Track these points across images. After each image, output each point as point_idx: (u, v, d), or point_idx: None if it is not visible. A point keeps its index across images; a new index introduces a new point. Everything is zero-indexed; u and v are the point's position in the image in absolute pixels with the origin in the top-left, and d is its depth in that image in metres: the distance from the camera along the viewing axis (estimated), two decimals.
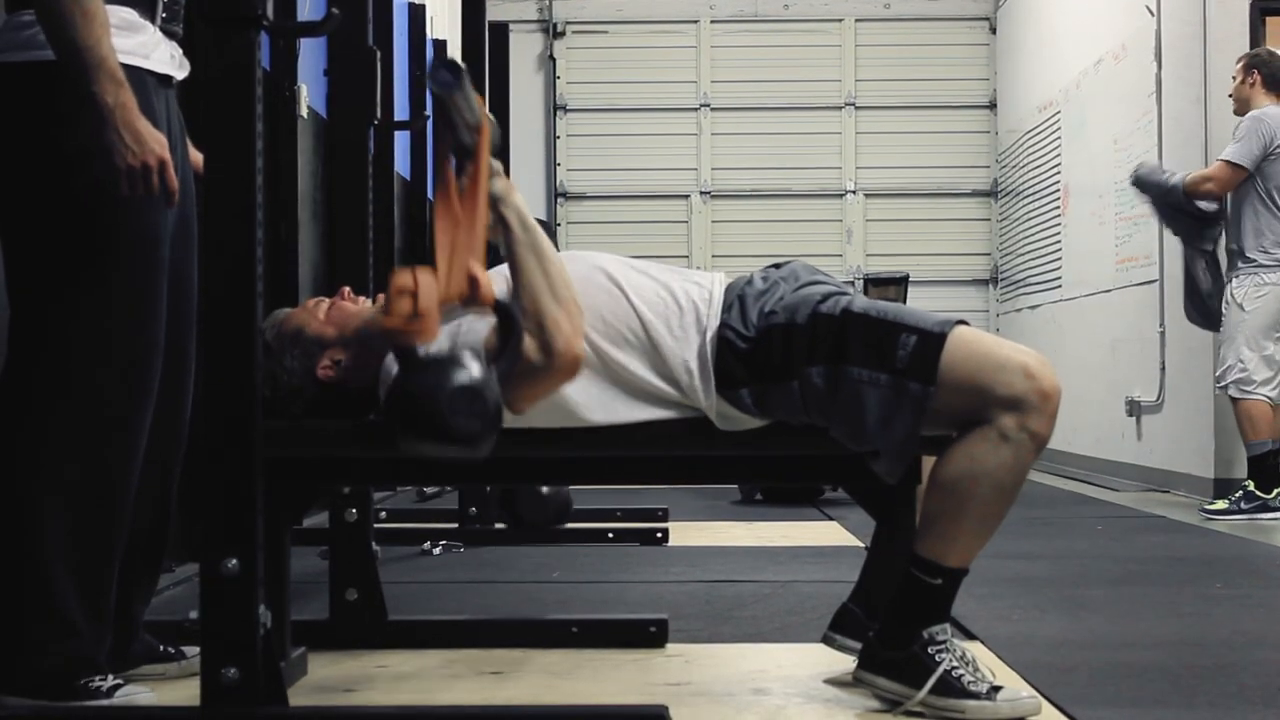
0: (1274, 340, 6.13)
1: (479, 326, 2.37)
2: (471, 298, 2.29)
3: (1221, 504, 6.23)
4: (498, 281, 2.50)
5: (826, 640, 2.81)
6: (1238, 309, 6.18)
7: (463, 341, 2.28)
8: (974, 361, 2.46)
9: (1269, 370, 6.12)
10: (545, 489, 2.83)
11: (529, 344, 2.37)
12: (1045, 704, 2.57)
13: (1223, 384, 6.22)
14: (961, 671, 2.49)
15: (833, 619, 2.82)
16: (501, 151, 2.53)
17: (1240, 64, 6.41)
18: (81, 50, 2.37)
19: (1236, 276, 6.20)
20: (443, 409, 2.10)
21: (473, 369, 2.13)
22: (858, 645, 2.65)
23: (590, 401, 2.51)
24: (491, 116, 2.42)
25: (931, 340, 2.46)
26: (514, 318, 2.27)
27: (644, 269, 2.63)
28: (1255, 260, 6.13)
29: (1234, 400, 6.17)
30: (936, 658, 2.48)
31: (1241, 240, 6.18)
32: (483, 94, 6.23)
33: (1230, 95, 6.47)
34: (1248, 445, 6.18)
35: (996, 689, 2.49)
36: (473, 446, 2.15)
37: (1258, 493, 6.10)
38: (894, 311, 2.52)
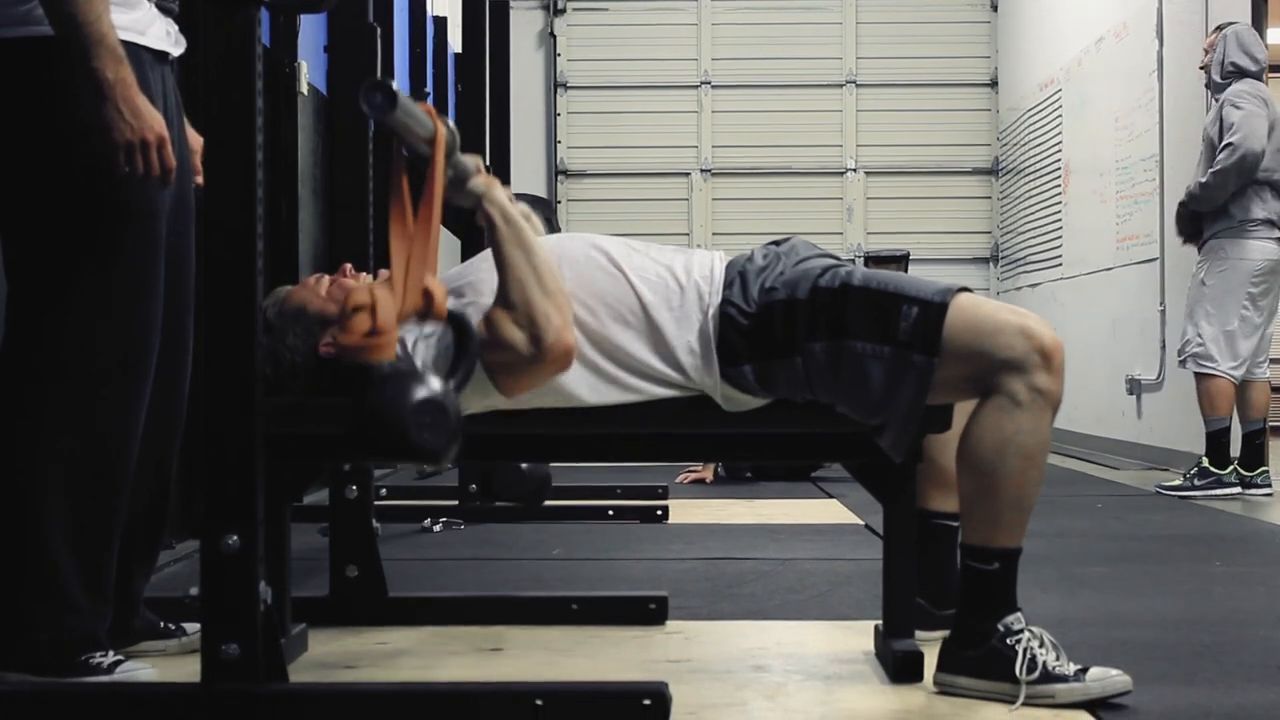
0: (1238, 318, 6.12)
1: (434, 341, 2.37)
2: (426, 311, 2.28)
3: (1176, 480, 6.27)
4: (486, 270, 2.50)
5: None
6: (1199, 284, 6.21)
7: (422, 357, 2.29)
8: (974, 328, 2.45)
9: (1230, 347, 6.11)
10: (524, 465, 2.79)
11: (519, 338, 2.37)
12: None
13: (1181, 358, 6.24)
14: (1044, 656, 2.45)
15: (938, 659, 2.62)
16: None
17: (1211, 38, 6.43)
18: (81, 26, 2.36)
19: (1201, 251, 6.22)
20: (405, 425, 2.10)
21: (431, 383, 2.12)
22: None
23: (589, 385, 2.51)
24: (448, 123, 2.39)
25: (933, 310, 2.45)
26: (468, 329, 2.28)
27: (643, 249, 2.63)
28: (1219, 234, 6.14)
29: (1196, 376, 6.19)
30: (1015, 646, 2.45)
31: (1207, 215, 6.19)
32: (482, 71, 6.22)
33: (1201, 68, 6.49)
34: (1206, 421, 6.19)
35: (1084, 670, 2.45)
36: (436, 459, 2.16)
37: (1213, 469, 6.13)
38: (894, 282, 2.51)
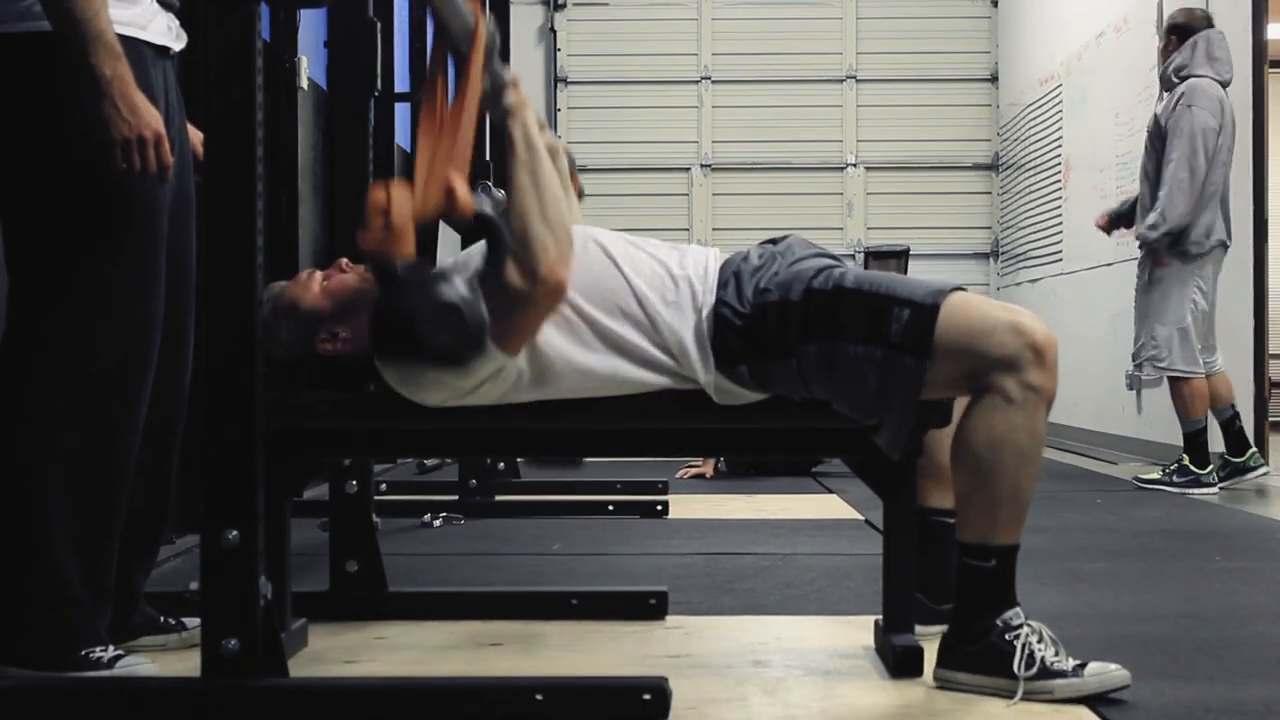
0: (1189, 313, 6.12)
1: (474, 253, 2.33)
2: (450, 208, 2.23)
3: (1155, 474, 6.29)
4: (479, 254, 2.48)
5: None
6: (1145, 284, 6.21)
7: (452, 265, 2.23)
8: (965, 328, 2.45)
9: (1186, 345, 6.10)
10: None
11: (512, 269, 2.32)
12: None
13: (1137, 361, 6.22)
14: (1043, 651, 2.45)
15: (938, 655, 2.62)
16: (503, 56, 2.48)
17: (1167, 42, 6.43)
18: (78, 22, 2.36)
19: (1143, 253, 6.24)
20: (420, 325, 2.06)
21: (454, 284, 2.08)
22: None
23: (584, 373, 2.50)
24: (492, 23, 2.35)
25: (924, 312, 2.45)
26: (498, 229, 2.22)
27: (640, 244, 2.63)
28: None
29: (1170, 381, 6.19)
30: (1014, 642, 2.45)
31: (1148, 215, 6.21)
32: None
33: (1160, 73, 6.49)
34: (1182, 422, 6.19)
35: (1082, 665, 2.45)
36: (453, 361, 2.11)
37: (1192, 468, 6.13)
38: (887, 284, 2.50)
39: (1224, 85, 6.22)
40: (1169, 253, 6.13)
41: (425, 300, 2.07)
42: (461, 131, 2.25)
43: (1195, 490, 6.08)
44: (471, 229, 2.39)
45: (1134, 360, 6.29)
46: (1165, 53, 6.38)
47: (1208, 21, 6.34)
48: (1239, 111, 6.95)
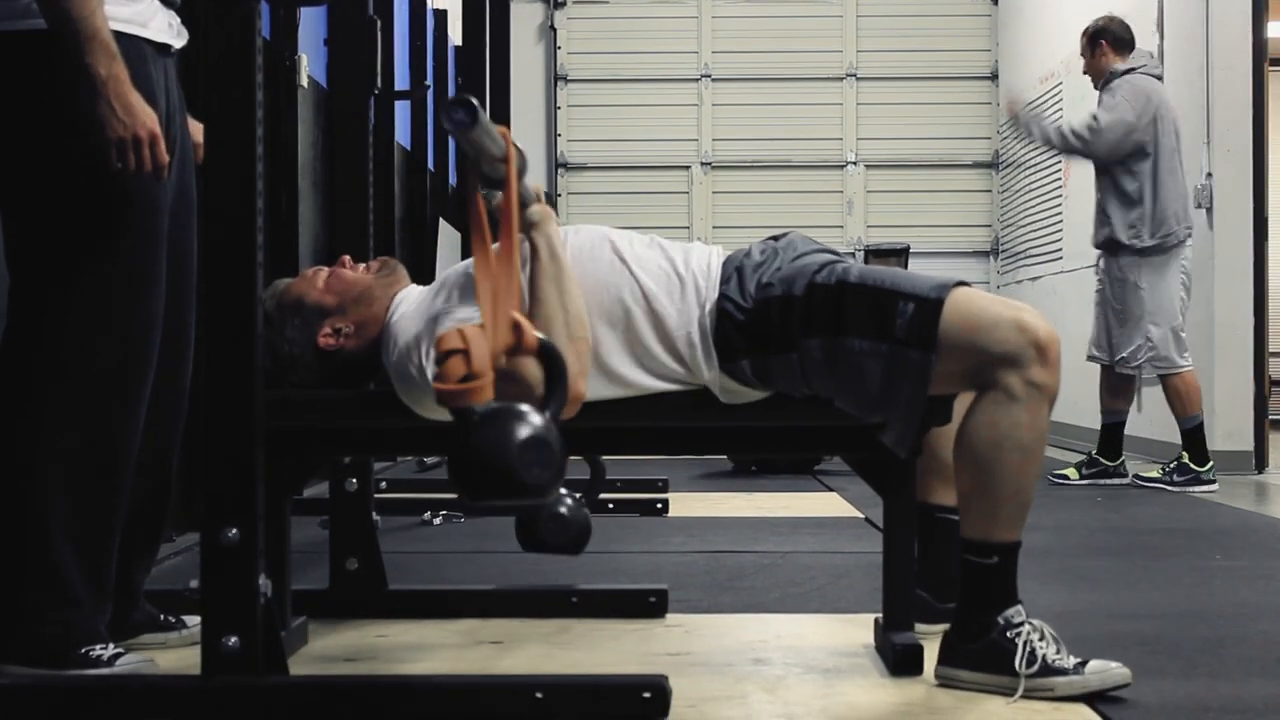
0: (1180, 312, 6.13)
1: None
2: (517, 345, 2.26)
3: (1155, 472, 6.28)
4: (464, 278, 2.49)
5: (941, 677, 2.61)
6: (1133, 287, 6.18)
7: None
8: (969, 323, 2.44)
9: (1178, 342, 6.10)
10: (565, 512, 2.78)
11: (535, 377, 2.28)
12: None
13: (1135, 364, 6.20)
14: (1044, 649, 2.45)
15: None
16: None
17: (1084, 40, 6.48)
18: (74, 21, 2.36)
19: (1123, 255, 6.20)
20: (513, 464, 2.07)
21: (532, 418, 2.09)
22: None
23: (591, 381, 2.51)
24: (518, 145, 2.37)
25: (929, 306, 2.45)
26: (558, 358, 2.24)
27: (644, 241, 2.63)
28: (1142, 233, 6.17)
29: (1161, 378, 6.19)
30: (1015, 640, 2.45)
31: (1113, 220, 6.22)
32: (482, 65, 6.22)
33: (1085, 73, 6.54)
34: (1179, 420, 6.19)
35: (1083, 663, 2.45)
36: (544, 493, 2.13)
37: (1192, 466, 6.12)
38: (890, 278, 2.50)
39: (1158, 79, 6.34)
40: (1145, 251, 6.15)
41: (512, 439, 2.08)
42: (514, 264, 2.27)
43: (1195, 488, 6.07)
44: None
45: (1125, 365, 6.25)
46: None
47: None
48: (1239, 110, 6.96)
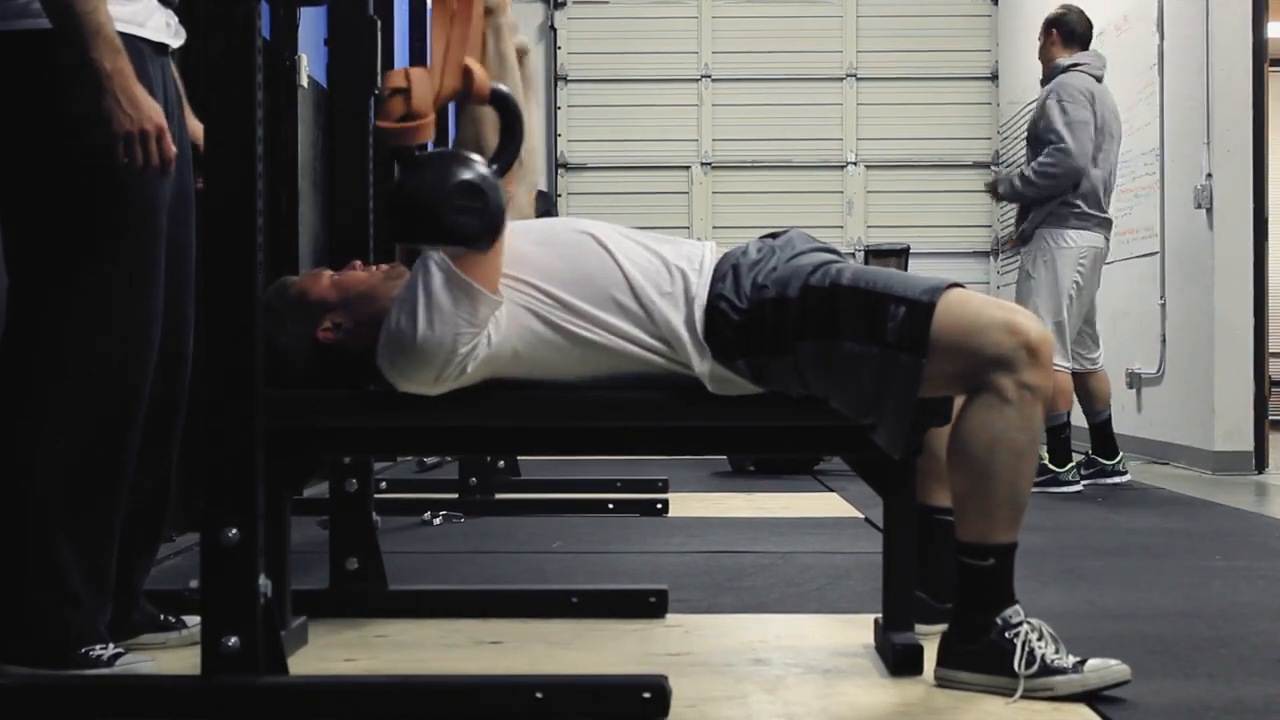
0: (1066, 310, 6.06)
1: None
2: (467, 91, 2.23)
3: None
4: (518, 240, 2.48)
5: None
6: (1025, 276, 6.17)
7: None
8: (961, 326, 2.44)
9: (1062, 341, 5.98)
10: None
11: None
12: None
13: None
14: (1043, 649, 2.45)
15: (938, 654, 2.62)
16: None
17: (1041, 25, 6.45)
18: (78, 16, 2.36)
19: (1028, 245, 6.19)
20: (442, 206, 2.05)
21: (474, 165, 2.07)
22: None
23: (579, 357, 2.51)
24: None
25: (920, 310, 2.45)
26: (514, 108, 2.21)
27: (635, 236, 2.63)
28: (1042, 224, 6.14)
29: None
30: (1014, 640, 2.45)
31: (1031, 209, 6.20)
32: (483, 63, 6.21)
33: (1040, 59, 6.49)
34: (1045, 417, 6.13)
35: (1082, 662, 2.45)
36: (474, 241, 2.11)
37: (1050, 466, 6.01)
38: (883, 281, 2.50)
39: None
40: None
41: (446, 181, 2.06)
42: (473, 19, 2.25)
43: (1054, 489, 5.96)
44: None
45: None
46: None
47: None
48: (1239, 110, 6.96)
